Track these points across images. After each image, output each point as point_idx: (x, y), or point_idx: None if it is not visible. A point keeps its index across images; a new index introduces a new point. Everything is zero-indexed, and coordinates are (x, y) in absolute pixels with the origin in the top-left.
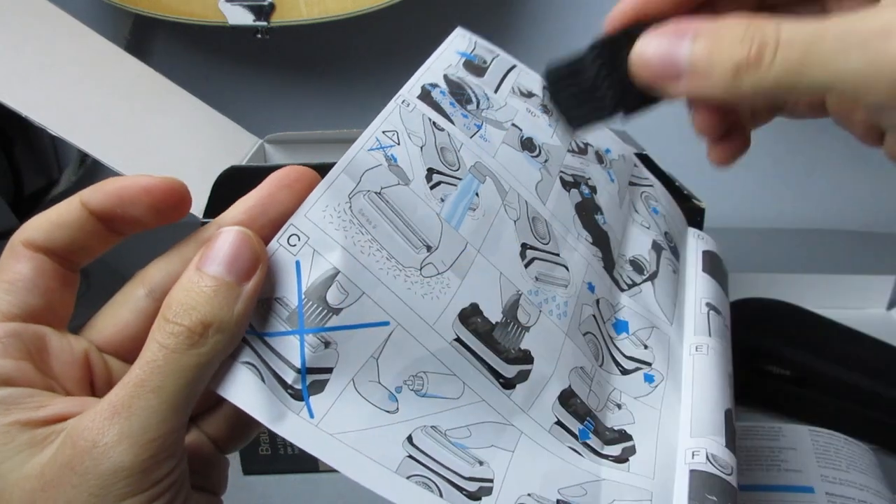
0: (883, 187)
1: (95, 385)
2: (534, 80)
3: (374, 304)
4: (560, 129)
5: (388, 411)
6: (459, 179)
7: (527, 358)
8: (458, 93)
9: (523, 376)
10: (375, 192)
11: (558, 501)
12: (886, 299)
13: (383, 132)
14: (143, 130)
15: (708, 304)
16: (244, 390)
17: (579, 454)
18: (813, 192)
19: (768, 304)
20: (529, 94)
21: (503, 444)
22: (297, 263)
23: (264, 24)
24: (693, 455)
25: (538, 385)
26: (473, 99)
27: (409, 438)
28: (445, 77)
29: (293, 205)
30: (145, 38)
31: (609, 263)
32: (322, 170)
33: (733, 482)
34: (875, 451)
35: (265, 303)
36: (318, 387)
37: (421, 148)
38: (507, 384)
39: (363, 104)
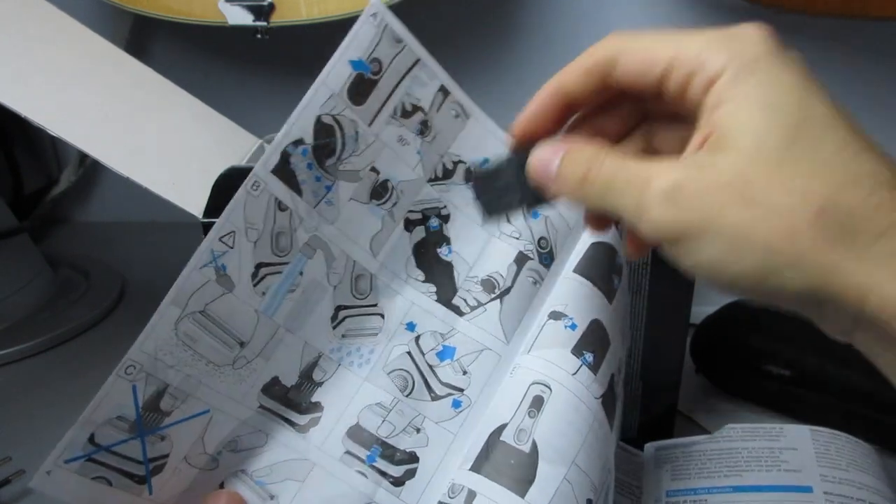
0: None
1: None
2: (429, 78)
3: (197, 399)
4: (478, 213)
5: (209, 470)
6: (286, 264)
7: (317, 407)
8: (324, 144)
9: (315, 421)
10: (199, 311)
11: None
12: None
13: (220, 238)
14: (143, 130)
15: (552, 314)
16: (99, 498)
17: (365, 476)
18: None
19: (768, 303)
20: (414, 110)
21: (296, 476)
22: (134, 387)
23: (264, 24)
24: (450, 490)
25: (329, 425)
26: (338, 147)
27: (221, 485)
28: (318, 122)
29: None
30: (145, 38)
31: (447, 293)
32: None
33: None
34: (876, 451)
35: (109, 423)
36: (158, 469)
37: (255, 242)
38: (302, 429)
39: None
